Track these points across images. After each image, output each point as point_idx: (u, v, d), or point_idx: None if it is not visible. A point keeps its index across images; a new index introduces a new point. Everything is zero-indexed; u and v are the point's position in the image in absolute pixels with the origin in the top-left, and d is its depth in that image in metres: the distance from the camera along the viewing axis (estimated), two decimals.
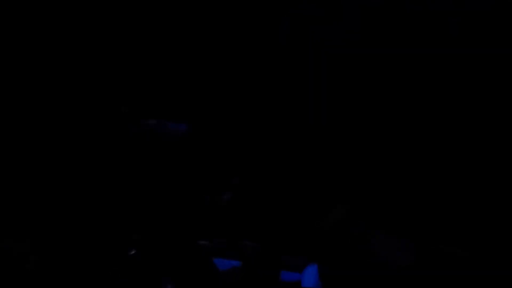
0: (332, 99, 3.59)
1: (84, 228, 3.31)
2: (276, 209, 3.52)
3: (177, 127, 3.55)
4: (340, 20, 3.51)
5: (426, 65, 3.53)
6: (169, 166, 3.53)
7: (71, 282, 3.12)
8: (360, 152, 3.57)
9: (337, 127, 3.58)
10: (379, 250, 3.28)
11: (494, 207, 3.44)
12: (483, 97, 3.53)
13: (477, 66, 3.51)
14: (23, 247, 3.18)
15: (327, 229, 3.38)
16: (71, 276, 3.14)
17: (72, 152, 3.46)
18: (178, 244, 3.27)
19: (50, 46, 3.53)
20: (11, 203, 3.33)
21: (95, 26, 3.54)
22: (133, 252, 3.20)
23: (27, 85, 3.54)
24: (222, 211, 3.46)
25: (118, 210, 3.39)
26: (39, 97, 3.53)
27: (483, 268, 3.23)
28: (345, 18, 3.51)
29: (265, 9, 3.54)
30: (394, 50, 3.53)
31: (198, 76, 3.63)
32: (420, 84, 3.56)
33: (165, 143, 3.55)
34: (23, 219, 3.30)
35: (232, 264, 3.25)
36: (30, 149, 3.46)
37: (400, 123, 3.57)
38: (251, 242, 3.34)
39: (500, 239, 3.37)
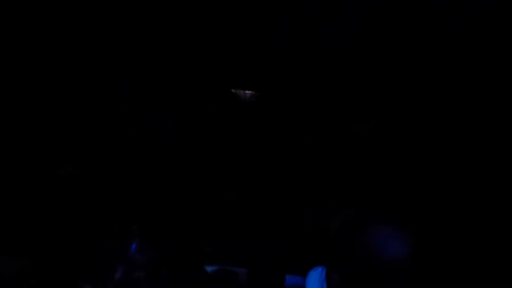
0: (332, 99, 3.59)
1: (82, 232, 3.32)
2: (278, 209, 3.52)
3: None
4: (340, 20, 3.50)
5: (426, 65, 3.53)
6: (169, 166, 3.53)
7: None
8: (360, 151, 3.57)
9: (337, 127, 3.58)
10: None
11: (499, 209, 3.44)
12: (483, 97, 3.53)
13: (477, 66, 3.51)
14: (19, 265, 3.13)
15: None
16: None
17: (71, 153, 3.46)
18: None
19: (50, 45, 3.54)
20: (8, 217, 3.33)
21: (96, 25, 3.55)
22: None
23: (26, 84, 3.54)
24: (224, 211, 3.47)
25: (118, 210, 3.39)
26: (38, 96, 3.54)
27: None
28: (345, 18, 3.50)
29: (265, 9, 3.54)
30: (394, 50, 3.53)
31: (198, 76, 3.63)
32: (420, 84, 3.55)
33: (165, 143, 3.55)
34: (20, 233, 3.29)
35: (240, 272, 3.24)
36: (28, 150, 3.47)
37: (400, 122, 3.58)
38: (256, 247, 3.33)
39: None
